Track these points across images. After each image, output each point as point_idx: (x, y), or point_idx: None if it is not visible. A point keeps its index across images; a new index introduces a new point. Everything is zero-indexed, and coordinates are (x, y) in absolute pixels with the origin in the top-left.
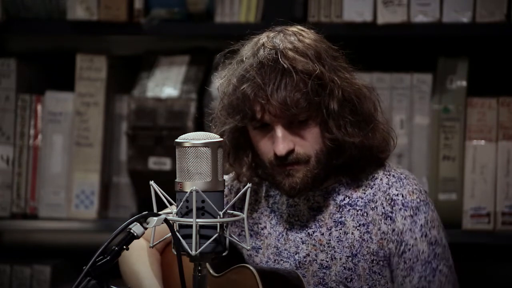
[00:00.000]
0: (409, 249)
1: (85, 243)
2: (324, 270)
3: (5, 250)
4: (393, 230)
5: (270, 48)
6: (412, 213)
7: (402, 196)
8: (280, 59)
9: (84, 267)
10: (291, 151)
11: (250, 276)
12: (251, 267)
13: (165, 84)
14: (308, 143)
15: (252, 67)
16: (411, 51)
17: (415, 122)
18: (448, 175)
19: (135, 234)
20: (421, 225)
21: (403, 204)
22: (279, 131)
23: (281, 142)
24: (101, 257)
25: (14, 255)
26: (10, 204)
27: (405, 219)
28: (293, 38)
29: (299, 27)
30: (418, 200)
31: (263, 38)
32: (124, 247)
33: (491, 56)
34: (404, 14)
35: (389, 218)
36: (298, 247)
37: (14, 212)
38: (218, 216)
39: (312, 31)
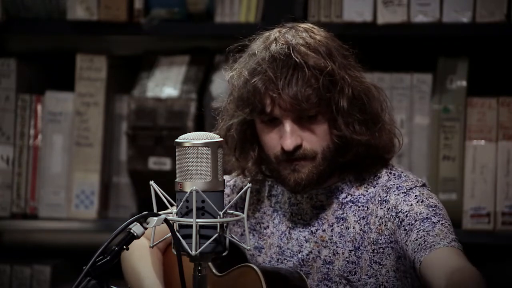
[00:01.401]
0: (407, 216)
1: (85, 243)
2: (328, 266)
3: (5, 250)
4: (388, 209)
5: (283, 43)
6: (405, 191)
7: (398, 184)
8: (292, 54)
9: (84, 267)
10: (298, 147)
11: (253, 275)
12: (254, 267)
13: (165, 84)
14: (315, 139)
15: (264, 60)
16: (411, 51)
17: (415, 122)
18: (448, 175)
19: (135, 234)
20: (415, 195)
21: (397, 188)
22: (288, 126)
23: (289, 137)
24: (101, 257)
25: (14, 255)
26: (10, 204)
27: (398, 195)
28: (305, 34)
29: (310, 24)
30: (413, 185)
31: (274, 33)
32: (124, 247)
33: (491, 56)
34: (404, 14)
35: (384, 202)
36: (302, 245)
37: (14, 212)
38: (218, 216)
39: (322, 29)
